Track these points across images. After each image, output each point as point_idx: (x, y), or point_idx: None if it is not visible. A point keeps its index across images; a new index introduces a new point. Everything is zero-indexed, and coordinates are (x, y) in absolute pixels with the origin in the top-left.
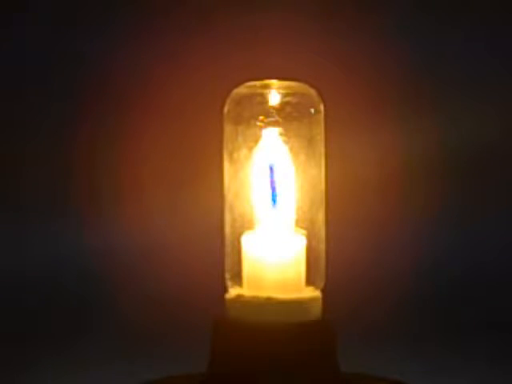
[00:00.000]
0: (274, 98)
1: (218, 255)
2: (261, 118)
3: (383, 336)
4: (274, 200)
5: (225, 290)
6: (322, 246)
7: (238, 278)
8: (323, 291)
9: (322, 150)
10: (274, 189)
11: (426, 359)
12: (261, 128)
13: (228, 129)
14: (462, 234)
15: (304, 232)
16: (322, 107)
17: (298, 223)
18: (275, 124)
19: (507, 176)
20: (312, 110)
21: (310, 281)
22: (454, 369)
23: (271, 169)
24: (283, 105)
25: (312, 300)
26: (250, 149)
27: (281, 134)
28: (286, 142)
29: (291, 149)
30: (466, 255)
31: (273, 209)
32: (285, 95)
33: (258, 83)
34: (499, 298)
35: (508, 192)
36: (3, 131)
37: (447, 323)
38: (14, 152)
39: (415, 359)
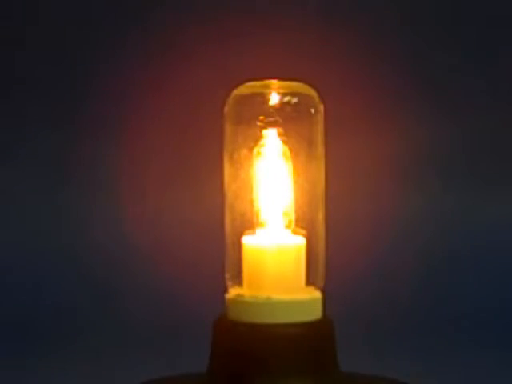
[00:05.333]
0: (274, 98)
1: (218, 255)
2: (261, 118)
3: (383, 336)
4: (273, 200)
5: (225, 289)
6: (322, 246)
7: (237, 278)
8: (323, 291)
9: (322, 150)
10: (273, 189)
11: (427, 359)
12: (261, 128)
13: (228, 129)
14: (462, 234)
15: (304, 232)
16: (321, 107)
17: (297, 223)
18: (275, 124)
19: (506, 174)
20: (312, 110)
21: (309, 281)
22: (454, 368)
23: (271, 169)
24: (283, 105)
25: (312, 300)
26: (250, 149)
27: (281, 134)
28: (286, 142)
29: (291, 149)
30: (467, 255)
31: (273, 209)
32: (285, 95)
33: (258, 83)
34: (502, 297)
35: (508, 189)
36: (2, 131)
37: (448, 323)
38: (14, 152)
39: (415, 359)
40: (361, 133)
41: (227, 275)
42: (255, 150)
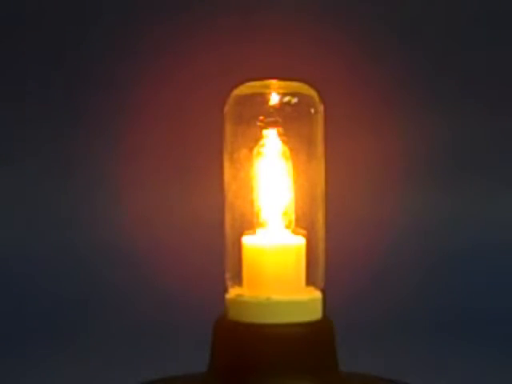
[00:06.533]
0: (274, 98)
1: (218, 255)
2: (261, 118)
3: (383, 336)
4: (273, 200)
5: (225, 290)
6: (322, 246)
7: (237, 278)
8: (323, 291)
9: (322, 149)
10: (273, 189)
11: (427, 359)
12: (261, 128)
13: (228, 129)
14: (463, 233)
15: (304, 232)
16: (321, 107)
17: (297, 223)
18: (275, 124)
19: (507, 172)
20: (312, 110)
21: (310, 281)
22: (454, 368)
23: (271, 169)
24: (283, 105)
25: (312, 300)
26: (250, 149)
27: (281, 134)
28: (286, 142)
29: (291, 149)
30: (467, 255)
31: (273, 209)
32: (285, 95)
33: (258, 83)
34: (503, 297)
35: (508, 187)
36: (3, 131)
37: (448, 323)
38: (13, 151)
39: (415, 359)
40: (361, 133)
41: (227, 275)
42: (255, 149)
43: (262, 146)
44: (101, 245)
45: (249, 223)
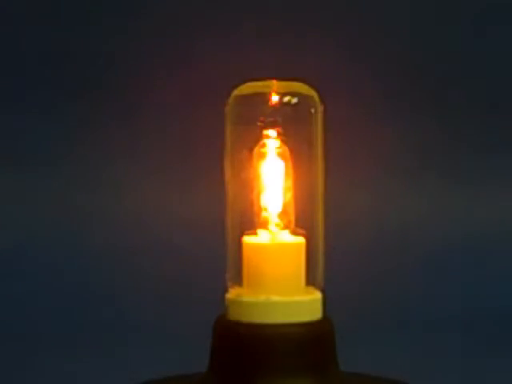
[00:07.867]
0: (274, 98)
1: (218, 255)
2: (261, 118)
3: (383, 336)
4: (273, 200)
5: (225, 289)
6: (322, 246)
7: (238, 277)
8: (323, 291)
9: (322, 150)
10: (273, 189)
11: (427, 359)
12: (261, 128)
13: (228, 129)
14: (463, 233)
15: (303, 232)
16: (321, 107)
17: (297, 223)
18: (275, 124)
19: (506, 173)
20: (312, 110)
21: (309, 281)
22: (454, 369)
23: (271, 169)
24: (283, 105)
25: (312, 300)
26: (251, 149)
27: (281, 134)
28: (286, 142)
29: (291, 149)
30: (468, 257)
31: (273, 209)
32: (285, 95)
33: (258, 83)
34: (502, 297)
35: (508, 188)
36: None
37: (448, 323)
38: (14, 151)
39: (415, 359)
40: (361, 133)
41: (227, 275)
42: (255, 149)
43: (262, 146)
44: (100, 244)
45: (249, 223)
